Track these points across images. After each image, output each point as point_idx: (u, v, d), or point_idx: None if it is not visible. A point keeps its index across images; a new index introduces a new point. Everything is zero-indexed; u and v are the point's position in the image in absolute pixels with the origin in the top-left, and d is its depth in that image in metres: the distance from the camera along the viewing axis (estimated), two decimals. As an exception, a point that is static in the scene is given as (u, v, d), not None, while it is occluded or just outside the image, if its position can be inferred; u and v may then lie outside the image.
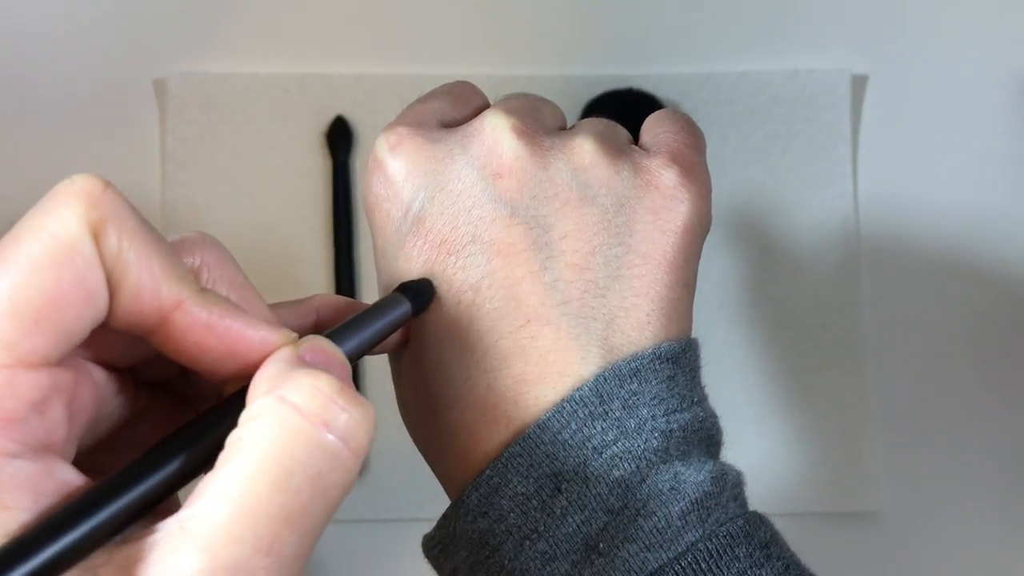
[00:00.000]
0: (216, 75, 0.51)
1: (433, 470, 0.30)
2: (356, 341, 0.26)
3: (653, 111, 0.49)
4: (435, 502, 0.30)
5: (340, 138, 0.51)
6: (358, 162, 0.51)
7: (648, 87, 0.51)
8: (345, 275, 0.49)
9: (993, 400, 0.50)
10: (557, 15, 0.53)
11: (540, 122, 0.32)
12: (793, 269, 0.50)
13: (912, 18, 0.52)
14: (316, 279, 0.50)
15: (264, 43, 0.53)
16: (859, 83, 0.52)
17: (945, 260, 0.51)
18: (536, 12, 0.53)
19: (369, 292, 0.50)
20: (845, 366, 0.49)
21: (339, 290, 0.49)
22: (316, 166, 0.51)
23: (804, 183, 0.51)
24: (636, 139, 0.33)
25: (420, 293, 0.29)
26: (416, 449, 0.31)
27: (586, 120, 0.33)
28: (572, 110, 0.50)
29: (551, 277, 0.29)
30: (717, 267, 0.50)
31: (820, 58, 0.52)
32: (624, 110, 0.50)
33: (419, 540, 0.30)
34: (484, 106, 0.34)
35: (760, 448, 0.49)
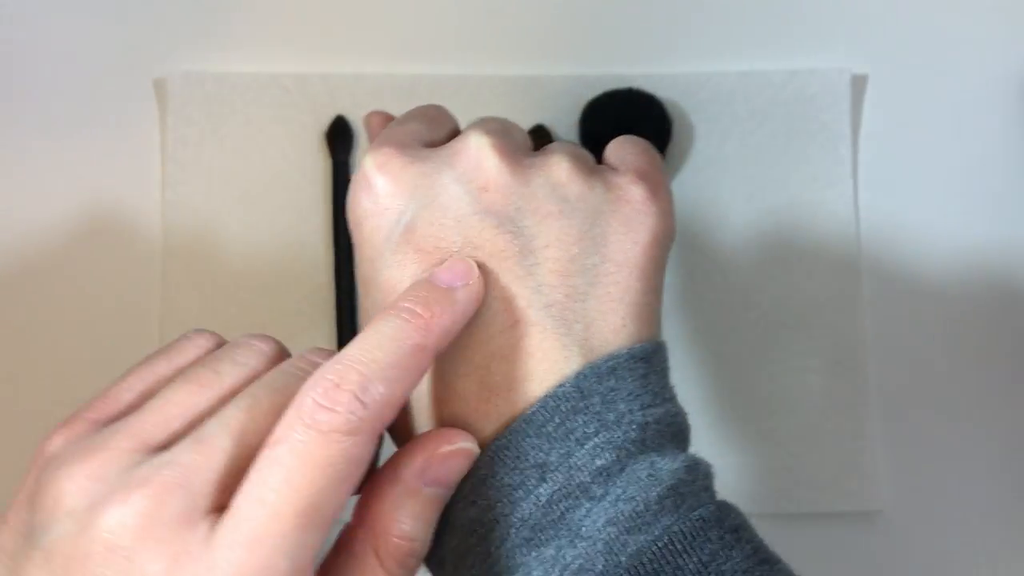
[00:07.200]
0: (216, 75, 0.51)
1: None
2: None
3: (653, 111, 0.50)
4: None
5: (340, 138, 0.51)
6: (358, 162, 0.51)
7: (648, 87, 0.51)
8: (345, 275, 0.50)
9: (994, 400, 0.50)
10: (557, 15, 0.53)
11: (515, 142, 0.34)
12: (793, 269, 0.50)
13: (912, 18, 0.52)
14: (316, 279, 0.50)
15: (264, 43, 0.53)
16: (859, 83, 0.52)
17: (945, 260, 0.51)
18: (536, 12, 0.53)
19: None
20: (845, 366, 0.49)
21: (339, 289, 0.49)
22: (316, 166, 0.51)
23: (804, 183, 0.51)
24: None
25: None
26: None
27: (556, 143, 0.35)
28: (572, 110, 0.50)
29: (536, 282, 0.31)
30: (716, 268, 0.50)
31: (820, 58, 0.52)
32: (624, 110, 0.50)
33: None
34: (456, 128, 0.37)
35: (760, 448, 0.49)
